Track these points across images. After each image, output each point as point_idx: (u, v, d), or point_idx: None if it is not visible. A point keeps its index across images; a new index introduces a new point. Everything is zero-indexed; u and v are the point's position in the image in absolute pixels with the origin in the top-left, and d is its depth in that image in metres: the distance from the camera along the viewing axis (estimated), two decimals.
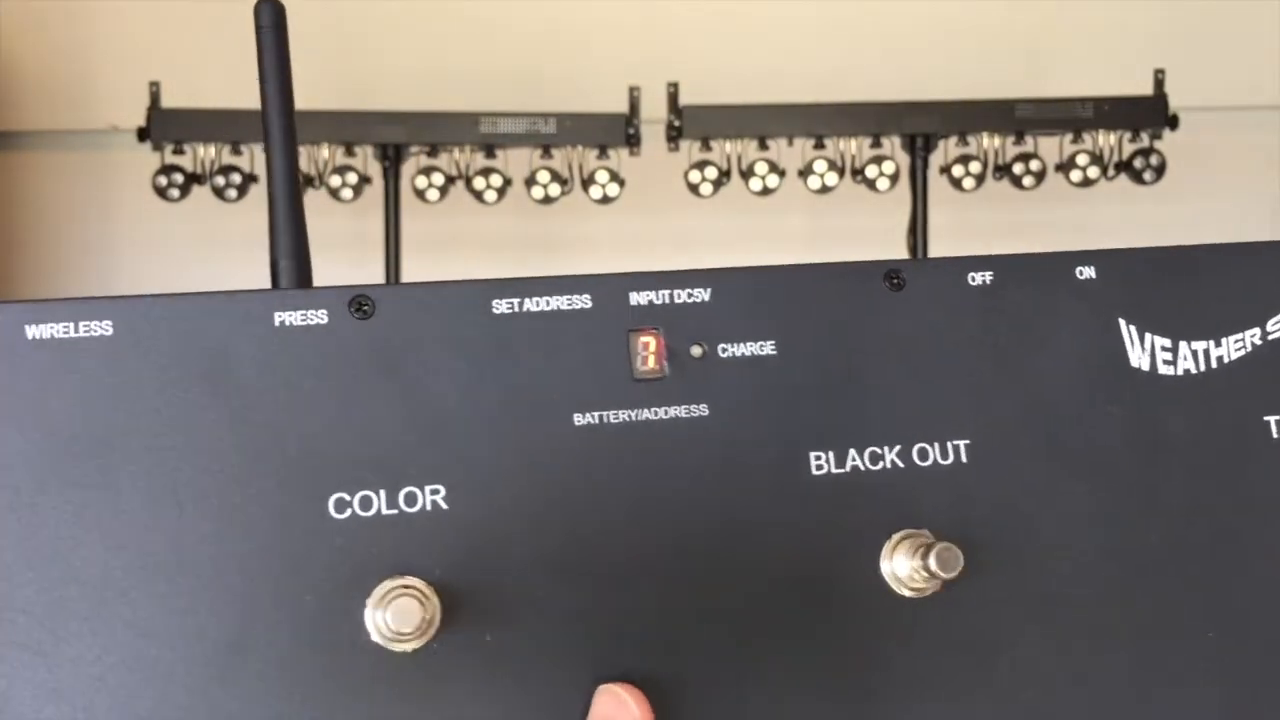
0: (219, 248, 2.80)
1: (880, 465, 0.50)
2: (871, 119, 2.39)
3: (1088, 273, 0.53)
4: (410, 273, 2.43)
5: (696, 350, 0.50)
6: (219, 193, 2.39)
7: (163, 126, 2.37)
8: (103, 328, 0.44)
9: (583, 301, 0.51)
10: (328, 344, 0.46)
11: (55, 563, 0.43)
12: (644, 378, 0.49)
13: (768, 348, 0.50)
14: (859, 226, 2.74)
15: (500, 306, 0.49)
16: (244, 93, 2.37)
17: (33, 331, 0.44)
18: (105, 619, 0.43)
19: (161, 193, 2.38)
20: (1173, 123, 2.39)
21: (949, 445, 0.51)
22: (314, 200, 2.42)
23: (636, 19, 2.78)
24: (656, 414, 0.49)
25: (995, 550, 0.50)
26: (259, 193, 2.41)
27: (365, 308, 0.47)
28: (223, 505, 0.44)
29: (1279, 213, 2.84)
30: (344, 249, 2.77)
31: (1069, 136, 2.41)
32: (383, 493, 0.46)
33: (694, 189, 2.39)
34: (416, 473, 0.46)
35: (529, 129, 2.36)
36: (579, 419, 0.48)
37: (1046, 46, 2.78)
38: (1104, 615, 0.51)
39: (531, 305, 0.49)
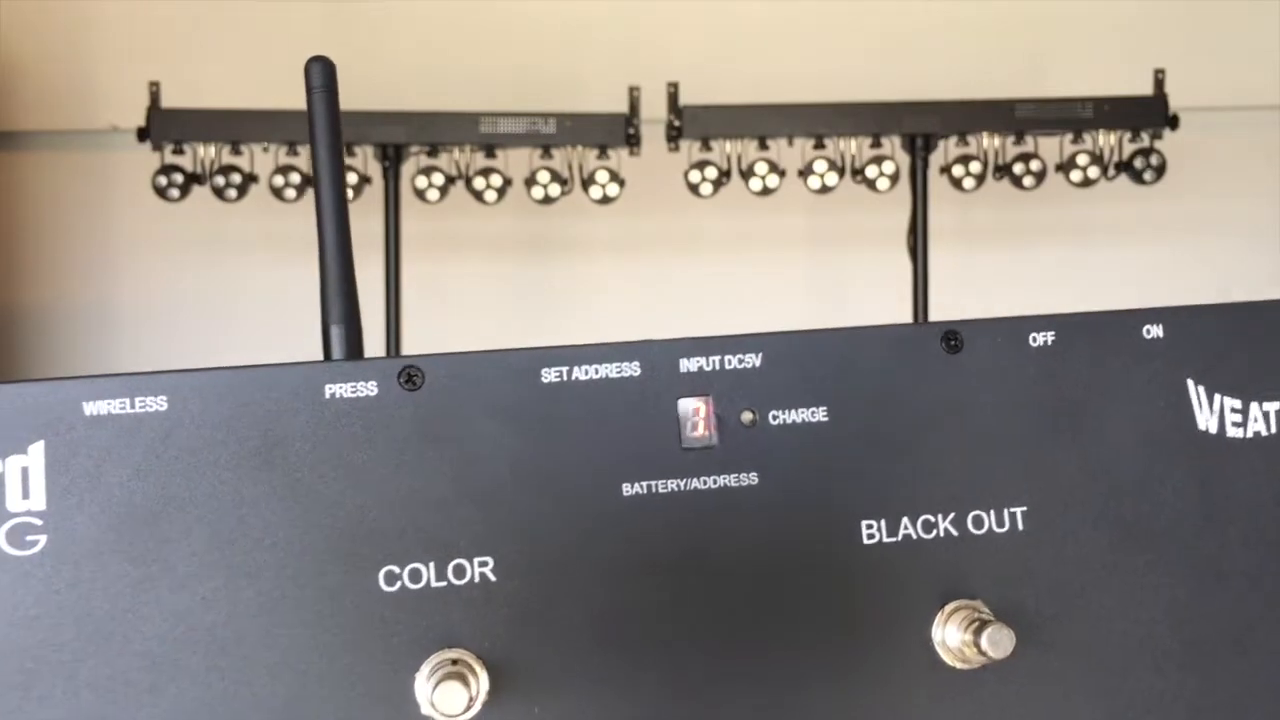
0: (219, 247, 2.80)
1: (934, 534, 0.49)
2: (871, 119, 2.39)
3: (1155, 331, 0.52)
4: (410, 272, 2.43)
5: (747, 416, 0.50)
6: (219, 192, 2.39)
7: (163, 126, 2.37)
8: (158, 403, 0.46)
9: (632, 369, 0.50)
10: (377, 416, 0.47)
11: (114, 637, 0.44)
12: (693, 446, 0.49)
13: (820, 414, 0.50)
14: (859, 226, 2.74)
15: (549, 375, 0.49)
16: (244, 93, 2.37)
17: (90, 408, 0.45)
18: (163, 691, 0.44)
19: (161, 192, 2.38)
20: (1173, 123, 2.39)
21: (1005, 513, 0.50)
22: (314, 200, 2.41)
23: (636, 19, 2.78)
24: (705, 483, 0.49)
25: (1050, 622, 0.49)
26: (258, 193, 2.41)
27: (415, 379, 0.48)
28: (276, 579, 0.45)
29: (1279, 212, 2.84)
30: None
31: (1069, 136, 2.41)
32: (432, 565, 0.46)
33: (694, 189, 2.39)
34: (465, 545, 0.47)
35: (529, 129, 2.35)
36: (627, 489, 0.48)
37: (1046, 46, 2.78)
38: (1162, 691, 0.49)
39: (580, 374, 0.49)
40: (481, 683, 0.45)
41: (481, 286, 2.81)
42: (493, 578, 0.46)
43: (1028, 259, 2.90)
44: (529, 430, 0.48)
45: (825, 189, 2.40)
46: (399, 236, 2.39)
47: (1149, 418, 0.51)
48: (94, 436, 0.45)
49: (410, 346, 2.41)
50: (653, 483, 0.48)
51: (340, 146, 0.56)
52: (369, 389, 0.47)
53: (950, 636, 0.48)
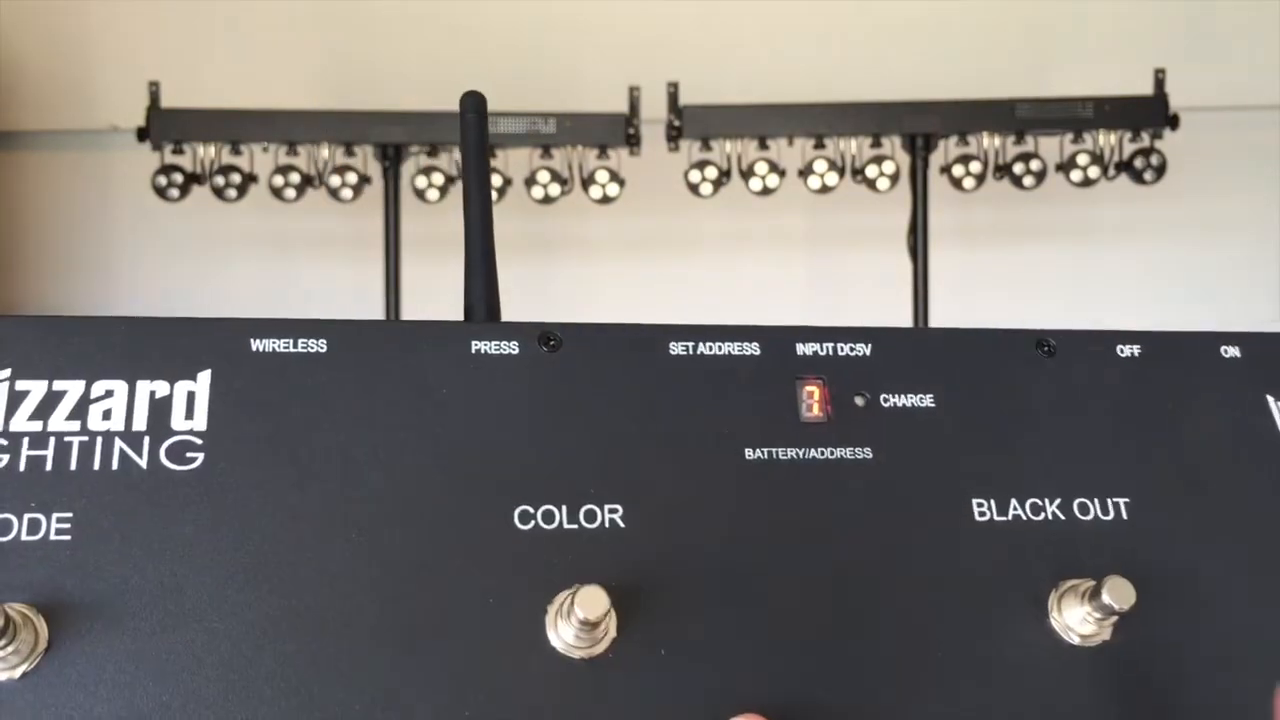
0: (218, 247, 2.79)
1: (1042, 516, 0.52)
2: (871, 119, 2.39)
3: (1233, 352, 0.57)
4: (410, 272, 2.43)
5: (859, 399, 0.53)
6: (218, 192, 2.39)
7: (162, 126, 2.37)
8: (318, 345, 0.49)
9: (753, 349, 0.53)
10: (518, 371, 0.50)
11: (266, 560, 0.45)
12: (810, 421, 0.52)
13: (927, 400, 0.53)
14: (859, 226, 2.74)
15: (676, 349, 0.52)
16: (244, 93, 2.37)
17: (257, 344, 0.49)
18: (300, 610, 0.45)
19: (161, 192, 2.38)
20: (1173, 123, 2.39)
21: (1109, 502, 0.52)
22: (314, 200, 2.42)
23: (636, 19, 2.78)
24: (823, 454, 0.51)
25: (1158, 603, 0.51)
26: (258, 192, 2.41)
27: (553, 342, 0.51)
28: (420, 516, 0.47)
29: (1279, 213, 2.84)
30: (344, 249, 2.78)
31: (1069, 136, 2.41)
32: (564, 508, 0.49)
33: (694, 189, 2.39)
34: (596, 492, 0.49)
35: (529, 129, 2.35)
36: (750, 454, 0.51)
37: (1046, 46, 2.78)
38: (1264, 665, 0.51)
39: (705, 349, 0.52)
40: (610, 617, 0.46)
41: None
42: (622, 524, 0.49)
43: (1028, 259, 2.90)
44: (657, 394, 0.51)
45: (825, 189, 2.40)
46: (399, 237, 2.39)
47: (1233, 427, 0.55)
48: (259, 369, 0.48)
49: None
50: (774, 449, 0.51)
51: (487, 164, 0.63)
52: (511, 347, 0.50)
53: (1070, 615, 0.49)
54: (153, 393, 0.47)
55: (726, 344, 0.53)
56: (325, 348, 0.49)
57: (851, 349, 0.54)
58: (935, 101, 2.39)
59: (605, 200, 2.40)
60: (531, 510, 0.48)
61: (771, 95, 2.42)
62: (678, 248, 2.86)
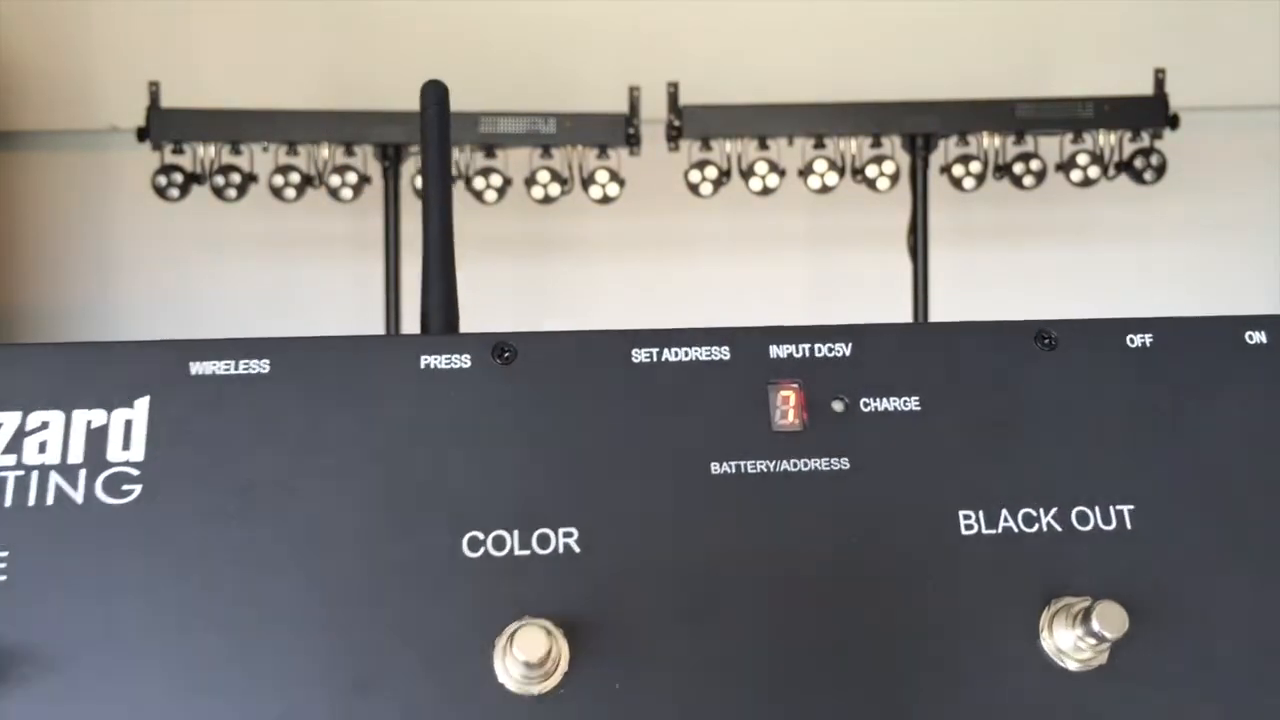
0: (218, 247, 2.79)
1: (1035, 528, 0.48)
2: (871, 119, 2.39)
3: (1259, 337, 0.51)
4: (410, 272, 2.43)
5: (838, 405, 0.49)
6: (218, 192, 2.39)
7: (162, 126, 2.37)
8: (260, 366, 0.47)
9: (722, 353, 0.50)
10: (470, 387, 0.48)
11: (201, 594, 0.44)
12: (783, 430, 0.48)
13: (912, 403, 0.49)
14: (859, 226, 2.74)
15: (639, 356, 0.49)
16: (244, 93, 2.37)
17: (196, 368, 0.47)
18: (238, 640, 0.44)
19: (161, 192, 2.38)
20: (1173, 123, 2.39)
21: (1111, 510, 0.48)
22: (314, 200, 2.42)
23: (636, 18, 2.78)
24: (795, 465, 0.48)
25: (1163, 620, 0.47)
26: (258, 192, 2.41)
27: (507, 354, 0.48)
28: (360, 540, 0.45)
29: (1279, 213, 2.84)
30: (344, 249, 2.77)
31: (1069, 136, 2.41)
32: (516, 533, 0.46)
33: (694, 189, 2.39)
34: (550, 515, 0.46)
35: (529, 129, 2.35)
36: (716, 468, 0.48)
37: (1047, 46, 2.78)
38: (1276, 696, 0.47)
39: (670, 355, 0.49)
40: (561, 649, 0.44)
41: (481, 286, 2.80)
42: (577, 548, 0.46)
43: (1028, 259, 2.89)
44: (618, 407, 0.48)
45: (825, 189, 2.40)
46: (399, 236, 2.39)
47: (1257, 420, 0.50)
48: (198, 394, 0.46)
49: None
50: (742, 463, 0.48)
51: (449, 156, 0.60)
52: (463, 361, 0.48)
53: (1061, 638, 0.45)
54: (89, 422, 0.46)
55: (694, 349, 0.49)
56: (268, 368, 0.47)
57: (830, 349, 0.50)
58: (935, 101, 2.39)
59: (605, 200, 2.40)
60: (481, 536, 0.46)
61: (771, 95, 2.42)
62: (678, 248, 2.86)
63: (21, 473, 0.45)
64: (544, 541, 0.46)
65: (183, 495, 0.45)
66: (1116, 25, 2.76)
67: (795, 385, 0.49)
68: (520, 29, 2.76)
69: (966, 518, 0.48)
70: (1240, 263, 2.89)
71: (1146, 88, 2.42)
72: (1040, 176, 2.40)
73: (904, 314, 2.43)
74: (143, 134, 2.37)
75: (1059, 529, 0.48)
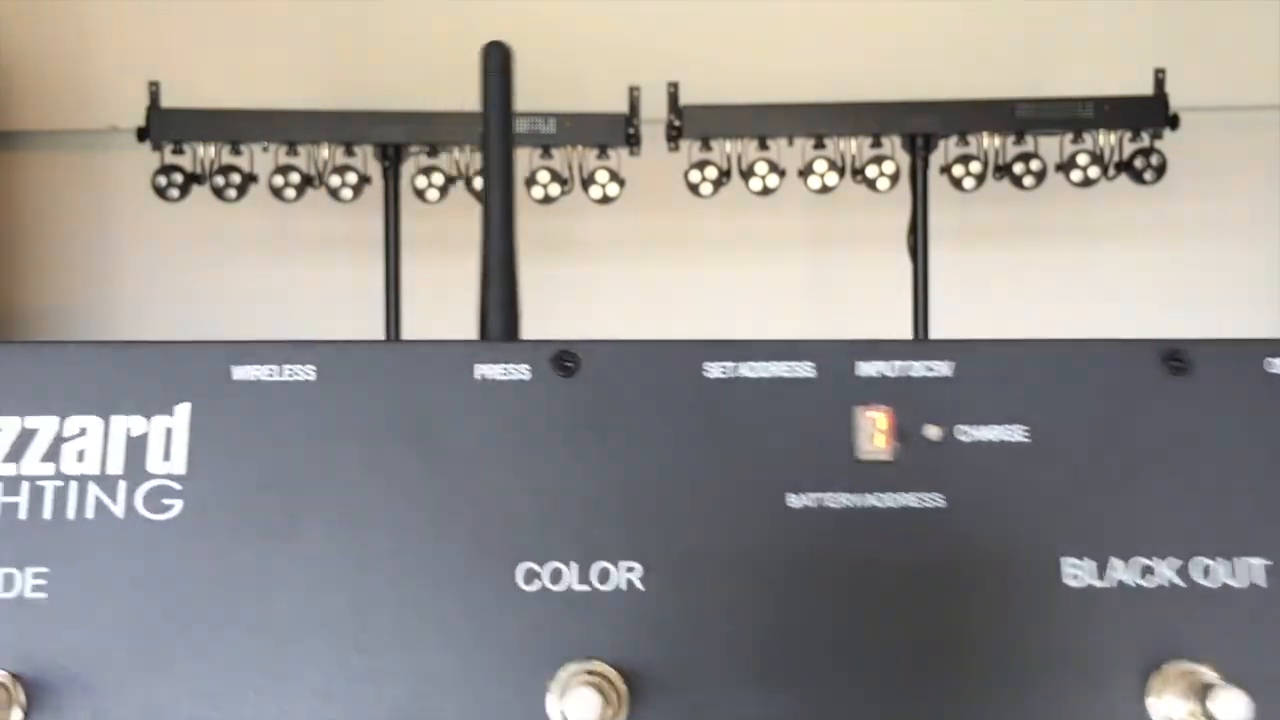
0: (219, 248, 2.79)
1: (1153, 582, 0.43)
2: (871, 119, 2.39)
3: None
4: (410, 272, 2.43)
5: (933, 431, 0.45)
6: (218, 193, 2.39)
7: (162, 126, 2.37)
8: (306, 372, 0.45)
9: (805, 370, 0.45)
10: (528, 401, 0.45)
11: (240, 615, 0.42)
12: (870, 459, 0.44)
13: (1018, 433, 0.45)
14: (859, 226, 2.74)
15: (713, 370, 0.45)
16: (244, 93, 2.37)
17: (239, 373, 0.44)
18: (282, 677, 0.42)
19: (161, 193, 2.38)
20: (1173, 123, 2.39)
21: (1243, 563, 0.43)
22: (314, 200, 2.42)
23: (636, 18, 2.78)
24: (882, 500, 0.44)
25: None
26: (258, 192, 2.41)
27: (569, 364, 0.45)
28: (408, 566, 0.43)
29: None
30: (344, 249, 2.77)
31: (1069, 136, 2.41)
32: (575, 566, 0.43)
33: (694, 189, 2.39)
34: (613, 548, 0.43)
35: (529, 129, 2.35)
36: (793, 500, 0.44)
37: (1046, 46, 2.78)
38: None
39: (748, 371, 0.45)
40: (621, 701, 0.41)
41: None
42: (640, 586, 0.43)
43: (1028, 259, 2.89)
44: (688, 428, 0.44)
45: (825, 189, 2.40)
46: (399, 236, 2.39)
47: None
48: (241, 402, 0.44)
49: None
50: (822, 495, 0.44)
51: (511, 130, 0.54)
52: (521, 372, 0.45)
53: (1173, 708, 0.41)
54: (128, 430, 0.44)
55: (773, 364, 0.45)
56: (314, 375, 0.44)
57: (928, 368, 0.45)
58: (935, 101, 2.39)
59: (605, 200, 2.40)
60: (537, 568, 0.43)
61: (771, 95, 2.42)
62: (678, 248, 2.86)
63: (60, 483, 0.43)
64: (604, 576, 0.43)
65: (225, 512, 0.43)
66: (1116, 25, 2.76)
67: (885, 409, 0.45)
68: (520, 29, 2.76)
69: (1074, 567, 0.44)
70: (1240, 263, 2.89)
71: (1146, 88, 2.42)
72: (1040, 176, 2.40)
73: (904, 314, 2.43)
74: (143, 134, 2.37)
75: (1179, 584, 0.43)
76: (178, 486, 0.43)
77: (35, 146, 2.81)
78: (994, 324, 2.87)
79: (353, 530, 0.43)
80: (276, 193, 2.38)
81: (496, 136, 0.52)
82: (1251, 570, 0.43)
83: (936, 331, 2.42)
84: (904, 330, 2.42)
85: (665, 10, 2.78)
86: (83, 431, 0.44)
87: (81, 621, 0.42)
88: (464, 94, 2.72)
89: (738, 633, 0.42)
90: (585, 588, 0.43)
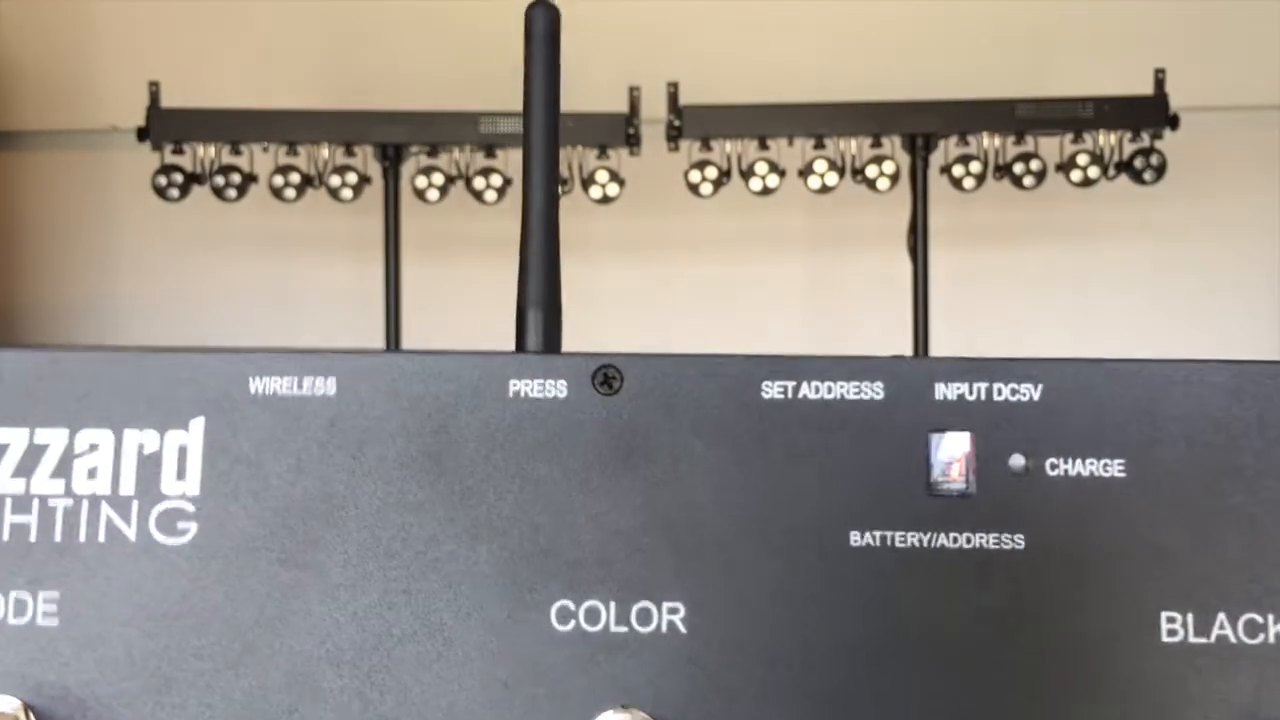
0: (219, 247, 2.79)
1: (1260, 639, 0.39)
2: (871, 119, 2.39)
3: None
4: (410, 272, 2.43)
5: (1018, 462, 0.40)
6: (218, 192, 2.39)
7: (162, 126, 2.37)
8: (327, 386, 0.41)
9: (874, 390, 0.41)
10: (566, 421, 0.41)
11: (257, 648, 0.40)
12: (945, 493, 0.40)
13: (1114, 467, 0.40)
14: (859, 226, 2.74)
15: (771, 390, 0.41)
16: (244, 93, 2.37)
17: (256, 385, 0.42)
18: (303, 713, 0.40)
19: (161, 192, 2.38)
20: (1173, 123, 2.39)
21: None
22: (314, 200, 2.42)
23: (637, 18, 2.78)
24: (956, 541, 0.40)
25: None
26: (258, 193, 2.41)
27: (612, 380, 0.41)
28: (435, 601, 0.40)
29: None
30: (344, 249, 2.77)
31: (1069, 136, 2.41)
32: (613, 605, 0.40)
33: (694, 189, 2.39)
34: (654, 586, 0.40)
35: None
36: (856, 539, 0.40)
37: (1046, 46, 2.78)
38: None
39: (809, 391, 0.40)
40: None
41: (481, 286, 2.80)
42: (683, 629, 0.39)
43: (1028, 259, 2.89)
44: (741, 455, 0.40)
45: (825, 189, 2.40)
46: (399, 236, 2.39)
47: None
48: (257, 417, 0.41)
49: (410, 347, 2.41)
50: (889, 534, 0.40)
51: (557, 100, 0.46)
52: (558, 389, 0.41)
53: None
54: (141, 446, 0.42)
55: (839, 384, 0.40)
56: (334, 389, 0.41)
57: (1014, 391, 0.40)
58: (935, 101, 2.39)
59: (605, 200, 2.40)
60: (572, 606, 0.39)
61: (771, 95, 2.42)
62: (678, 248, 2.86)
63: (71, 502, 0.41)
64: (645, 618, 0.39)
65: (241, 538, 0.41)
66: (1116, 25, 2.76)
67: (965, 435, 0.40)
68: (520, 29, 2.76)
69: (1171, 620, 0.39)
70: (1240, 262, 2.89)
71: (1146, 88, 2.42)
72: (1040, 176, 2.40)
73: (904, 314, 2.43)
74: (143, 134, 2.37)
75: None
76: (192, 509, 0.41)
77: (35, 146, 2.81)
78: (994, 324, 2.87)
79: (376, 560, 0.41)
80: (276, 193, 2.38)
81: (541, 117, 0.48)
82: None
83: (936, 331, 2.42)
84: (904, 330, 2.42)
85: (665, 10, 2.78)
86: (94, 447, 0.42)
87: (94, 650, 0.40)
88: (464, 94, 2.72)
89: (788, 683, 0.39)
90: (624, 629, 0.40)
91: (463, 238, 2.70)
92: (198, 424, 0.42)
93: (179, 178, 2.38)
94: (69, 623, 0.40)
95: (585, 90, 2.55)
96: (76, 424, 0.42)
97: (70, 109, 2.76)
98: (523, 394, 0.41)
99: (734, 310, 2.87)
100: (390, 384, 0.41)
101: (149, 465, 0.42)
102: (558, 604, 0.40)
